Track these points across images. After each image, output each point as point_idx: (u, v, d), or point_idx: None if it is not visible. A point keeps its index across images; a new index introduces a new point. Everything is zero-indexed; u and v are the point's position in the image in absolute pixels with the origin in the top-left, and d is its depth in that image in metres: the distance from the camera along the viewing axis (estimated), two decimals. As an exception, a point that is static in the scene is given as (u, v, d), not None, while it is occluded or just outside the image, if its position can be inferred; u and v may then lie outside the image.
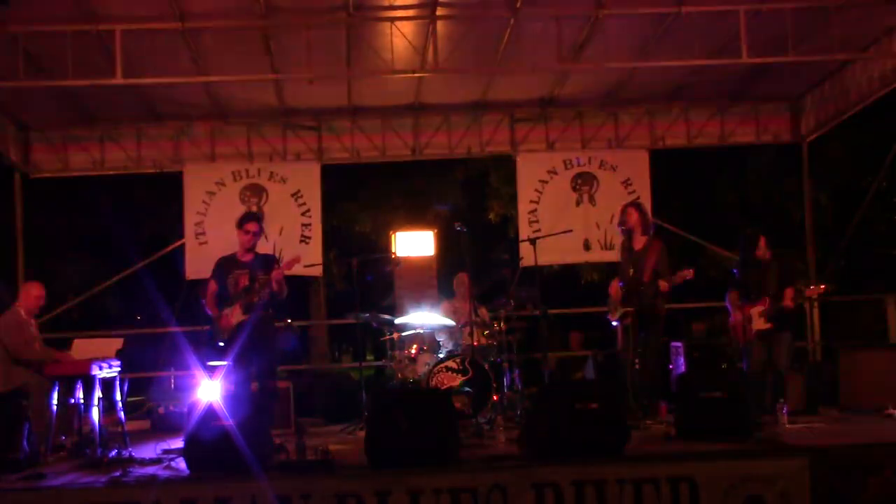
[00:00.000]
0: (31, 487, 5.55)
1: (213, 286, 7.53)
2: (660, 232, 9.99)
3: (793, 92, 10.42)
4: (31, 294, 7.41)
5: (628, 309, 7.54)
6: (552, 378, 9.52)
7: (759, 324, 7.39)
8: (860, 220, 10.01)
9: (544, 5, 8.03)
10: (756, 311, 7.41)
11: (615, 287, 7.82)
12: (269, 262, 7.65)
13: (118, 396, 7.28)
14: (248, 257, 7.51)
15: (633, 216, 7.82)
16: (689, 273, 7.36)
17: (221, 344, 7.37)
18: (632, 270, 7.59)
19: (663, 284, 7.44)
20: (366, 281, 13.50)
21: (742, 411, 6.26)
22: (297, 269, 7.68)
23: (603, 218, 10.34)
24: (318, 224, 10.40)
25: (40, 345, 7.29)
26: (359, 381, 8.31)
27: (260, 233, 7.59)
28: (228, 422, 5.65)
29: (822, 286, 7.60)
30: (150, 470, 5.96)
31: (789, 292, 7.32)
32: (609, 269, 11.00)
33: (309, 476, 5.48)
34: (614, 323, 7.79)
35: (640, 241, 7.78)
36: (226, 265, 7.55)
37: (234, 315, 7.38)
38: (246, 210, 10.19)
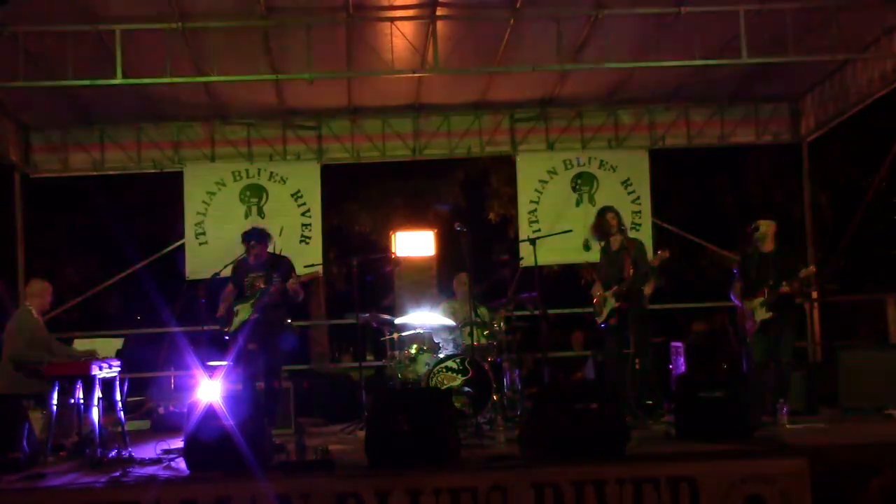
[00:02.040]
0: (31, 487, 5.55)
1: (230, 288, 7.61)
2: (667, 234, 10.05)
3: (793, 92, 10.41)
4: (33, 291, 7.39)
5: (614, 306, 7.62)
6: (552, 378, 9.53)
7: (761, 313, 7.40)
8: (860, 220, 10.00)
9: (544, 5, 8.04)
10: (757, 302, 7.43)
11: (597, 289, 7.91)
12: (281, 262, 7.70)
13: (118, 396, 7.28)
14: (261, 259, 7.56)
15: (615, 219, 7.82)
16: (665, 254, 7.48)
17: (227, 337, 7.40)
18: (622, 270, 7.64)
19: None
20: (366, 281, 13.48)
21: (742, 411, 6.26)
22: (297, 271, 7.71)
23: (603, 218, 10.34)
24: (318, 224, 10.40)
25: (47, 346, 7.25)
26: (359, 381, 8.31)
27: (262, 249, 7.59)
28: (228, 422, 5.66)
29: (813, 267, 7.64)
30: (150, 470, 5.96)
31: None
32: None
33: (309, 476, 5.47)
34: (602, 325, 7.83)
35: (616, 242, 7.82)
36: (241, 268, 7.60)
37: (244, 313, 7.42)
38: (245, 210, 10.23)
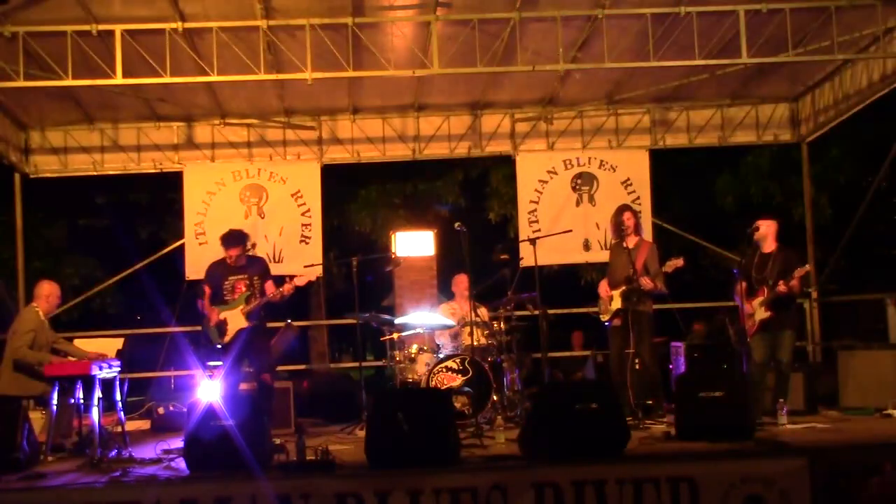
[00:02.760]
0: (31, 487, 5.55)
1: (207, 290, 7.61)
2: (668, 234, 10.02)
3: (793, 92, 10.42)
4: (42, 293, 7.38)
5: (619, 307, 7.61)
6: (552, 378, 9.54)
7: (760, 313, 7.39)
8: (860, 220, 10.00)
9: (544, 5, 8.04)
10: (756, 302, 7.42)
11: (604, 287, 7.88)
12: (262, 266, 7.72)
13: (118, 396, 7.28)
14: (241, 262, 7.58)
15: (633, 219, 7.84)
16: (679, 262, 7.40)
17: (220, 346, 7.42)
18: (631, 270, 7.63)
19: (646, 282, 7.47)
20: (366, 281, 13.49)
21: (742, 411, 6.26)
22: (297, 271, 7.75)
23: (603, 218, 10.29)
24: (318, 224, 10.40)
25: (50, 348, 7.24)
26: (359, 381, 8.31)
27: (242, 254, 7.64)
28: (228, 422, 5.66)
29: (808, 266, 7.65)
30: (150, 470, 5.96)
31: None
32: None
33: (309, 476, 5.47)
34: (607, 323, 7.82)
35: (632, 241, 7.80)
36: (220, 270, 7.60)
37: (236, 321, 7.43)
38: (245, 210, 10.25)
